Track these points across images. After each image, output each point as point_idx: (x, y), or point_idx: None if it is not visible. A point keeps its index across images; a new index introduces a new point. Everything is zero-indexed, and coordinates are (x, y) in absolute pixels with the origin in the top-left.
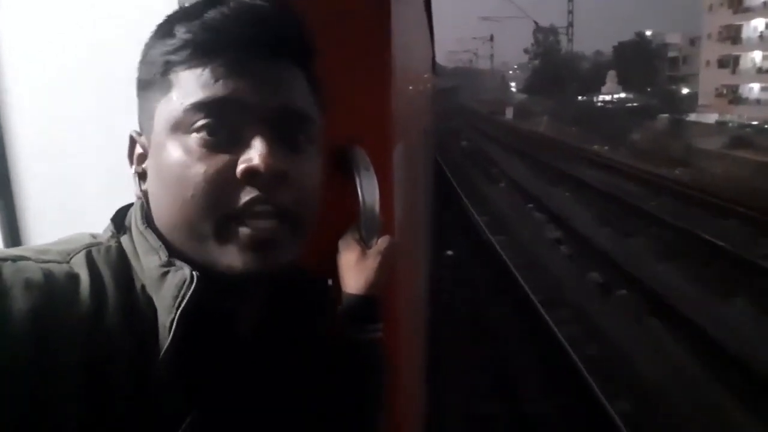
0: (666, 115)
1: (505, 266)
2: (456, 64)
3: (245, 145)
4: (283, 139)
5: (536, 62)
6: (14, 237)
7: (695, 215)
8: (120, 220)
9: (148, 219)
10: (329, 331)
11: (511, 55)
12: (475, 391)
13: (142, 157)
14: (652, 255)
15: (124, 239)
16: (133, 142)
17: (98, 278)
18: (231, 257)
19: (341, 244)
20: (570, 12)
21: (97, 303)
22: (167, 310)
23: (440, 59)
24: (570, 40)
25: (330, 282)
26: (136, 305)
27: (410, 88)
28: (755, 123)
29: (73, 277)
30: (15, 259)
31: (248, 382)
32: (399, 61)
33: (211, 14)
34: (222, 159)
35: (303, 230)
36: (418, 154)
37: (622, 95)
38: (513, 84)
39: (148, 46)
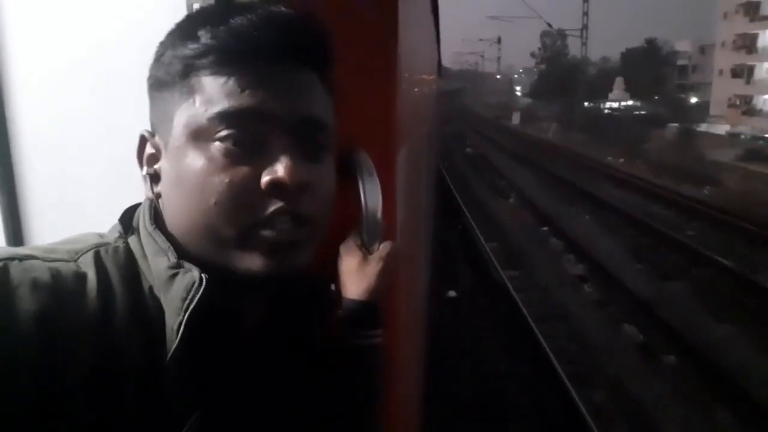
0: (675, 124)
1: (521, 319)
2: (462, 66)
3: (269, 155)
4: (305, 149)
5: (542, 66)
6: (16, 232)
7: (743, 250)
8: (127, 220)
9: (156, 220)
10: (329, 335)
11: (516, 58)
12: None
13: (153, 158)
14: (699, 305)
15: (132, 240)
16: (143, 142)
17: (106, 278)
18: (251, 261)
19: (343, 248)
20: (585, 14)
21: (104, 303)
22: (175, 312)
23: (445, 61)
24: (584, 44)
25: (332, 286)
26: (144, 306)
27: (415, 90)
28: None
29: (81, 277)
30: (22, 258)
31: (251, 383)
32: (405, 64)
33: (238, 20)
34: (246, 169)
35: (318, 233)
36: (421, 159)
37: (630, 102)
38: (518, 88)
39: (165, 46)
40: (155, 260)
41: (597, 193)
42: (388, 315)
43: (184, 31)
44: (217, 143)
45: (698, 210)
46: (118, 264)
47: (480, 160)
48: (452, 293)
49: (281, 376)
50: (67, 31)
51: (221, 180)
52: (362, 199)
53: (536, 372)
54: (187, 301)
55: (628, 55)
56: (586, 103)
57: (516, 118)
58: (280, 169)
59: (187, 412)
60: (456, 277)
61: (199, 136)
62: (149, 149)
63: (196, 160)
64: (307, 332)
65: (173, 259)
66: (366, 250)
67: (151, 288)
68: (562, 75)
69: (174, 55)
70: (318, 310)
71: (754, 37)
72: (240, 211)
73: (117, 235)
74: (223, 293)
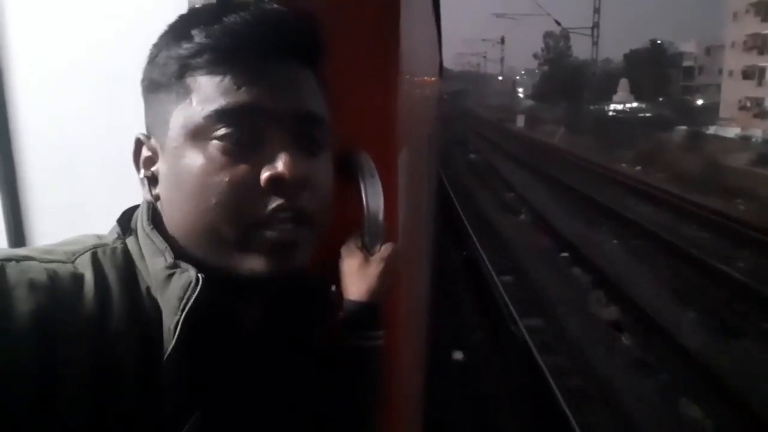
0: (684, 127)
1: (551, 398)
2: (463, 67)
3: (267, 152)
4: (302, 144)
5: (545, 68)
6: (18, 232)
7: None
8: (126, 221)
9: (154, 221)
10: (330, 336)
11: (517, 59)
12: None
13: (150, 161)
14: None
15: (130, 241)
16: (139, 145)
17: (103, 279)
18: (253, 261)
19: (344, 250)
20: (596, 11)
21: (101, 303)
22: (172, 312)
23: (447, 62)
24: (595, 43)
25: (333, 288)
26: (141, 307)
27: (416, 92)
28: None
29: (78, 278)
30: (19, 259)
31: (251, 383)
32: (406, 64)
33: (232, 19)
34: (245, 167)
35: (318, 231)
36: (422, 160)
37: (634, 104)
38: (520, 90)
39: (158, 47)
40: (152, 260)
41: (621, 211)
42: (388, 316)
43: (178, 31)
44: (215, 142)
45: (747, 235)
46: (115, 265)
47: (485, 168)
48: (458, 355)
49: (281, 377)
50: (67, 31)
51: (221, 179)
52: (364, 200)
53: None
54: (183, 301)
55: (632, 57)
56: (590, 106)
57: (521, 121)
58: (280, 164)
59: (186, 413)
60: (462, 329)
61: (196, 135)
62: (146, 152)
63: (194, 160)
64: (306, 332)
65: (170, 259)
66: (367, 251)
67: (148, 288)
68: (565, 77)
69: (168, 55)
70: (318, 311)
71: (766, 38)
72: (240, 209)
73: (115, 236)
74: (221, 293)
